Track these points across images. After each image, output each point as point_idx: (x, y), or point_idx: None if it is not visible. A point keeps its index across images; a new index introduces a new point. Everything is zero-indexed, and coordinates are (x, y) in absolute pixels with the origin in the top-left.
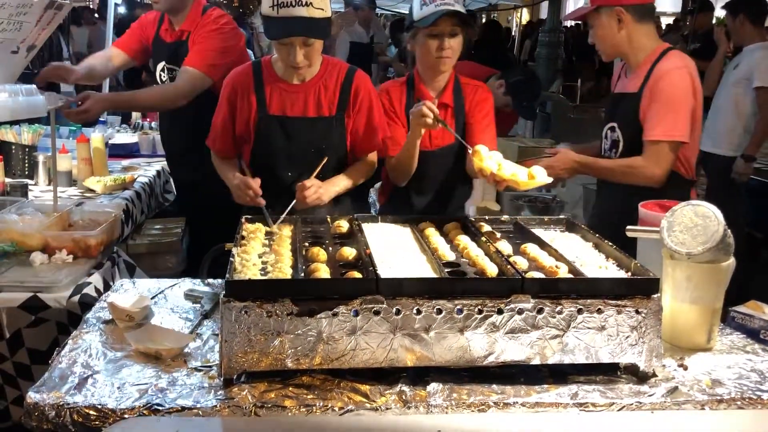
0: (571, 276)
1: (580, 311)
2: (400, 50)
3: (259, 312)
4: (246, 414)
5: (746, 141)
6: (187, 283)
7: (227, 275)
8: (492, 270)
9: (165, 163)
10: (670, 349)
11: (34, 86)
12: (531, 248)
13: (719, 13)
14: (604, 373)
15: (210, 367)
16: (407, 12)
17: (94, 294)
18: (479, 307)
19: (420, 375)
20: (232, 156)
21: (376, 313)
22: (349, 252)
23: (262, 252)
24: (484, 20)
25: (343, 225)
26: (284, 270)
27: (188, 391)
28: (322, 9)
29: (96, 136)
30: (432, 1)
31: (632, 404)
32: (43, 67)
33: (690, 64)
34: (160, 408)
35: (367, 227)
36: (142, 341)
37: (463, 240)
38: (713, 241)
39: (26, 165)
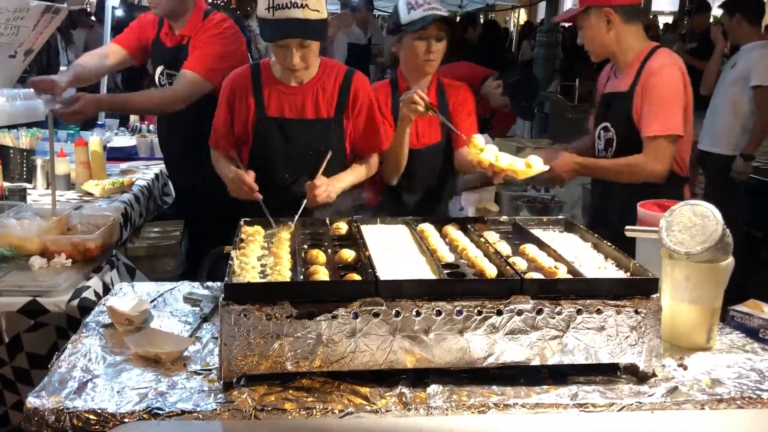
0: (570, 276)
1: (579, 312)
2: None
3: (259, 315)
4: (246, 417)
5: (744, 140)
6: (186, 287)
7: (226, 278)
8: (491, 271)
9: (163, 165)
10: (670, 348)
11: (32, 90)
12: (530, 249)
13: (717, 12)
14: (604, 373)
15: (210, 370)
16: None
17: (93, 298)
18: (478, 308)
19: (420, 377)
20: (234, 154)
21: (376, 315)
22: (348, 254)
23: (261, 255)
24: (482, 21)
25: (342, 227)
26: (283, 273)
27: (188, 395)
28: (318, 11)
29: (94, 140)
30: (419, 6)
31: (632, 404)
32: (41, 72)
33: (679, 61)
34: (160, 412)
35: (365, 229)
36: (141, 345)
37: (462, 241)
38: (712, 240)
39: (24, 169)
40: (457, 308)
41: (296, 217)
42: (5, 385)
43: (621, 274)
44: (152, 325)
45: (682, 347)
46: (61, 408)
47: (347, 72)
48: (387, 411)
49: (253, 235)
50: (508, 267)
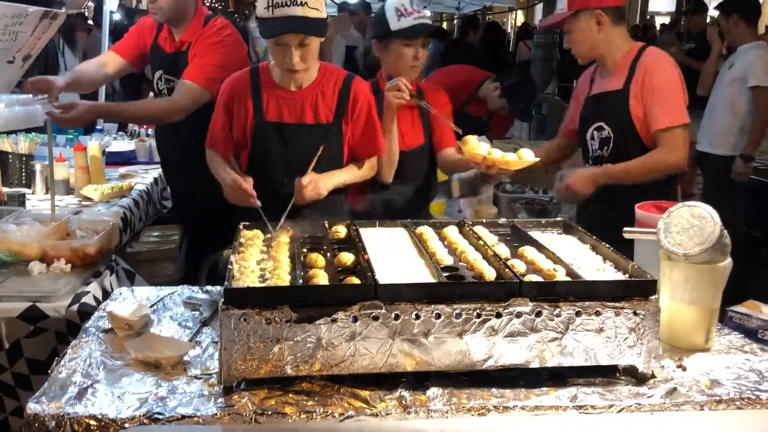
0: (568, 279)
1: (578, 314)
2: None
3: (258, 319)
4: (246, 421)
5: (742, 140)
6: (186, 291)
7: (226, 283)
8: (490, 274)
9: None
10: (669, 350)
11: (30, 95)
12: (528, 251)
13: (713, 13)
14: (603, 375)
15: (210, 374)
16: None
17: (93, 303)
18: (478, 311)
19: (419, 380)
20: (230, 157)
21: (375, 318)
22: (347, 257)
23: (260, 259)
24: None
25: (341, 230)
26: (282, 277)
27: (188, 400)
28: (318, 9)
29: (93, 144)
30: (409, 14)
31: (631, 406)
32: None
33: (670, 58)
34: (161, 417)
35: (364, 232)
36: (141, 350)
37: (461, 243)
38: (710, 241)
39: (23, 174)
40: (457, 311)
41: (284, 215)
42: (5, 391)
43: (619, 276)
44: (152, 329)
45: (680, 348)
46: (61, 414)
47: (347, 77)
48: (387, 414)
49: (252, 239)
50: (506, 270)
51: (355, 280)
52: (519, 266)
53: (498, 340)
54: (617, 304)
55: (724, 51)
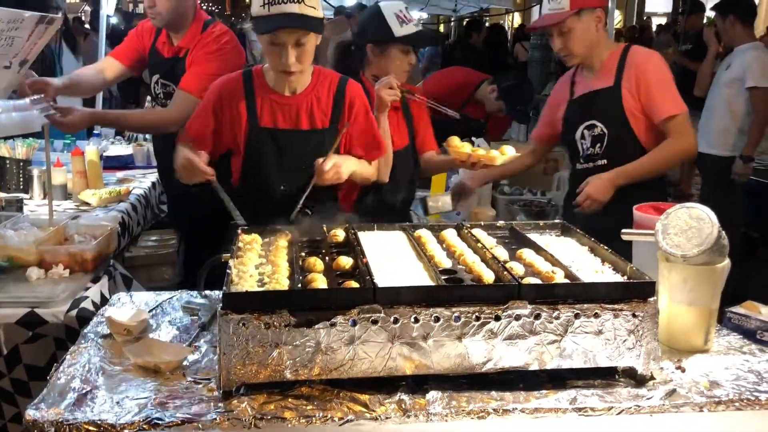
0: (567, 281)
1: (577, 316)
2: None
3: (257, 324)
4: (246, 426)
5: (740, 141)
6: (184, 296)
7: (224, 287)
8: (489, 276)
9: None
10: (668, 351)
11: (28, 101)
12: (527, 253)
13: (711, 13)
14: (603, 377)
15: (209, 379)
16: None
17: (92, 308)
18: (477, 314)
19: (419, 383)
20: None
21: (374, 322)
22: (345, 261)
23: (258, 263)
24: (474, 23)
25: (339, 234)
26: (281, 281)
27: (188, 405)
28: (314, 8)
29: (90, 149)
30: (410, 21)
31: (631, 408)
32: None
33: (656, 52)
34: (160, 422)
35: (363, 236)
36: (140, 355)
37: (460, 246)
38: (708, 243)
39: (21, 179)
40: (456, 314)
41: (302, 199)
42: (4, 398)
43: (618, 278)
44: (151, 334)
45: (679, 350)
46: (60, 420)
47: (341, 80)
48: (386, 418)
49: (250, 243)
50: (505, 272)
51: (354, 284)
52: (518, 269)
53: (497, 343)
54: (616, 306)
55: (721, 52)
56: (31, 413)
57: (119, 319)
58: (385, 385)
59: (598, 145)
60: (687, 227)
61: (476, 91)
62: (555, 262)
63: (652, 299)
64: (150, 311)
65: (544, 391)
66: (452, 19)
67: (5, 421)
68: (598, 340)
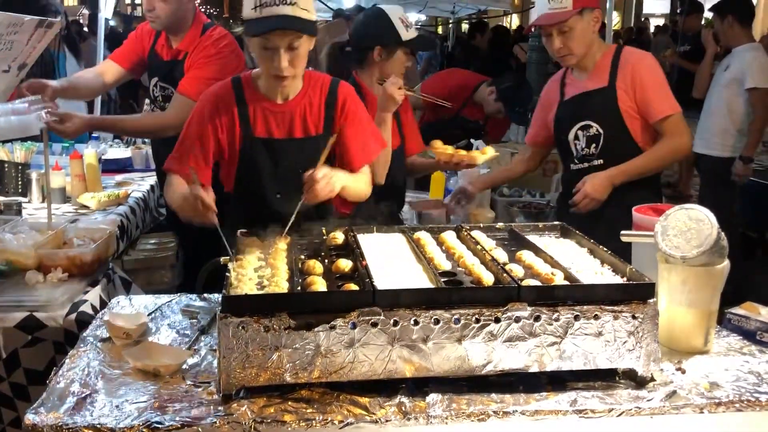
0: (567, 283)
1: (576, 318)
2: None
3: (257, 327)
4: (246, 430)
5: (739, 142)
6: (184, 299)
7: (224, 290)
8: (488, 279)
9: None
10: (668, 352)
11: (26, 104)
12: (526, 255)
13: (709, 14)
14: (603, 378)
15: (209, 382)
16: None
17: (91, 312)
18: (476, 316)
19: (419, 386)
20: (191, 174)
21: (374, 324)
22: (345, 264)
23: (258, 266)
24: (474, 24)
25: (339, 236)
26: (280, 284)
27: (187, 408)
28: (307, 10)
29: (89, 152)
30: (412, 26)
31: (631, 410)
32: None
33: (648, 53)
34: (160, 426)
35: (362, 238)
36: (140, 358)
37: (459, 248)
38: (707, 244)
39: (19, 183)
40: (455, 316)
41: (292, 217)
42: (3, 402)
43: (618, 280)
44: (150, 338)
45: (679, 351)
46: (60, 424)
47: (332, 83)
48: (387, 421)
49: (249, 246)
50: (505, 274)
51: (354, 287)
52: (517, 270)
53: (497, 345)
54: (616, 308)
55: (719, 53)
56: (30, 417)
57: (118, 323)
58: (385, 387)
59: (594, 145)
60: (686, 228)
61: (475, 93)
62: (554, 263)
63: (651, 301)
64: (149, 314)
65: (544, 393)
66: (450, 21)
67: (4, 425)
68: (598, 342)
